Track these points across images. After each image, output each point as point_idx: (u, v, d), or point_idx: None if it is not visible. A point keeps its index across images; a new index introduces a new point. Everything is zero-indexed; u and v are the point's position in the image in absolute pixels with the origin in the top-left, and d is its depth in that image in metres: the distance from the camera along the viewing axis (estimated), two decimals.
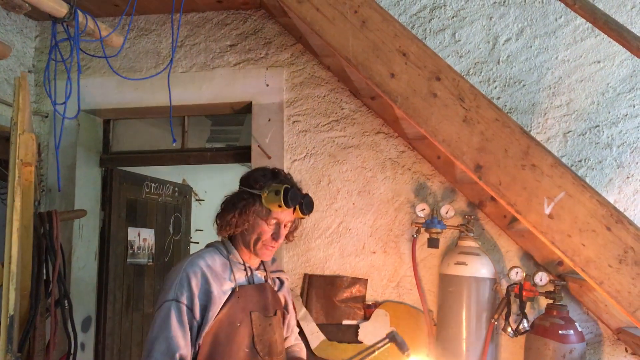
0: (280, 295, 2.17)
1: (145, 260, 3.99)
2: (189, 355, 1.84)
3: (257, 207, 1.95)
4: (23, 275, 2.25)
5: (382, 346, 1.92)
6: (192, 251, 4.66)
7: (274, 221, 1.97)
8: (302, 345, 2.36)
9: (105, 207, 3.65)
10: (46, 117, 3.39)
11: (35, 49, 3.47)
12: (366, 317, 2.86)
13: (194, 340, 1.86)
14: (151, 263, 4.06)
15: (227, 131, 5.13)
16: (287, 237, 2.09)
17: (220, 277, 1.93)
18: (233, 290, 1.94)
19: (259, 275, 2.09)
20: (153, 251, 4.09)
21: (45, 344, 2.44)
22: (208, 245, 2.10)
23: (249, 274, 2.04)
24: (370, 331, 2.80)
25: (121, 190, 3.74)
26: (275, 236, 1.97)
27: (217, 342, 1.89)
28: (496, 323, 2.57)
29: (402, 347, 1.92)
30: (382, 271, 2.92)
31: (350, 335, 2.85)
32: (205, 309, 1.87)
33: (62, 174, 3.18)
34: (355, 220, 2.97)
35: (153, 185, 4.13)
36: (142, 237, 3.96)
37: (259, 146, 3.07)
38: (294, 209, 1.99)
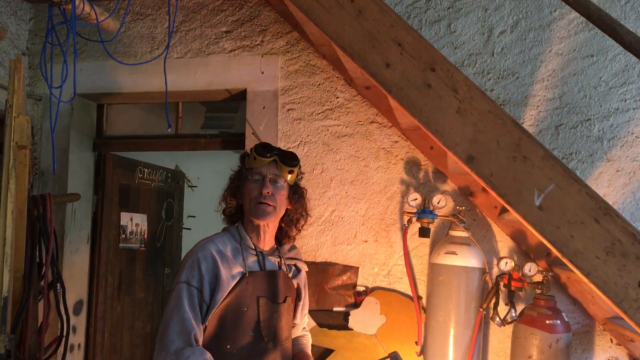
0: (294, 282, 2.21)
1: (137, 246, 4.00)
2: (201, 335, 1.92)
3: (243, 172, 2.10)
4: (16, 257, 2.25)
5: None
6: (184, 238, 4.69)
7: (256, 176, 2.05)
8: (309, 337, 2.41)
9: (98, 192, 3.65)
10: (39, 100, 3.38)
11: (29, 31, 3.45)
12: (356, 304, 2.90)
13: (202, 321, 1.94)
14: (143, 248, 4.07)
15: (221, 118, 5.13)
16: (294, 224, 2.18)
17: (230, 262, 2.00)
18: (243, 276, 2.00)
19: (272, 260, 2.13)
20: (145, 236, 4.10)
21: (38, 326, 2.45)
22: (224, 230, 2.18)
23: (261, 259, 2.09)
24: (360, 318, 2.83)
25: (114, 175, 3.74)
26: (262, 188, 2.02)
27: (223, 324, 1.96)
28: (484, 312, 2.61)
29: None
30: (374, 260, 2.95)
31: (341, 321, 2.88)
32: (213, 292, 1.94)
33: (55, 157, 3.18)
34: (348, 209, 3.00)
35: (146, 170, 4.13)
36: (135, 222, 3.97)
37: (253, 133, 3.08)
38: (277, 164, 2.07)
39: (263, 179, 2.05)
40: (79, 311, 3.49)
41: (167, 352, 1.84)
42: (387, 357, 1.97)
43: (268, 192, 2.02)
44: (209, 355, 1.87)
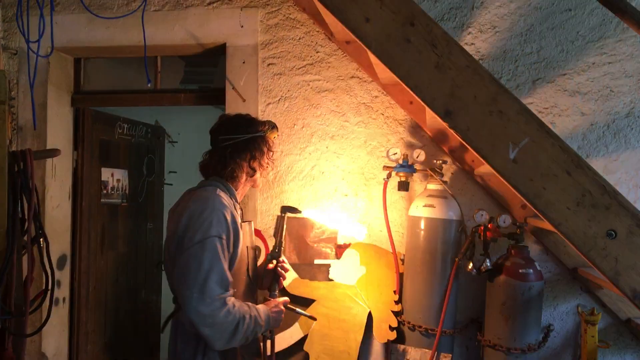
0: None
1: (119, 201, 4.01)
2: None
3: (267, 144, 2.39)
4: None
5: (284, 216, 2.56)
6: (166, 193, 4.70)
7: (273, 149, 2.45)
8: None
9: (78, 147, 3.63)
10: (15, 54, 3.32)
11: None
12: (337, 257, 2.96)
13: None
14: (125, 203, 4.09)
15: (200, 73, 5.06)
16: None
17: (237, 216, 2.25)
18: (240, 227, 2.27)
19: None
20: (127, 192, 4.11)
21: (23, 280, 2.47)
22: (207, 185, 2.30)
23: (240, 211, 2.37)
24: (341, 270, 2.90)
25: (93, 130, 3.72)
26: (274, 163, 2.52)
27: (232, 271, 2.21)
28: (460, 262, 2.69)
29: (294, 211, 2.57)
30: (354, 213, 3.00)
31: (322, 273, 2.95)
32: (235, 244, 2.18)
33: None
34: (328, 163, 3.03)
35: (126, 126, 4.11)
36: (116, 178, 3.97)
37: (233, 89, 3.07)
38: None
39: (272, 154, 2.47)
40: (63, 266, 3.52)
41: (211, 298, 2.01)
42: (282, 214, 2.53)
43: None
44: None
